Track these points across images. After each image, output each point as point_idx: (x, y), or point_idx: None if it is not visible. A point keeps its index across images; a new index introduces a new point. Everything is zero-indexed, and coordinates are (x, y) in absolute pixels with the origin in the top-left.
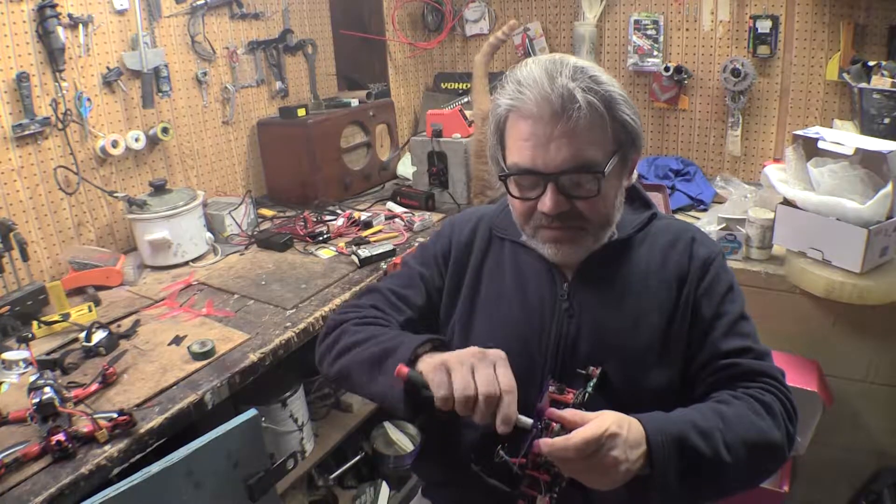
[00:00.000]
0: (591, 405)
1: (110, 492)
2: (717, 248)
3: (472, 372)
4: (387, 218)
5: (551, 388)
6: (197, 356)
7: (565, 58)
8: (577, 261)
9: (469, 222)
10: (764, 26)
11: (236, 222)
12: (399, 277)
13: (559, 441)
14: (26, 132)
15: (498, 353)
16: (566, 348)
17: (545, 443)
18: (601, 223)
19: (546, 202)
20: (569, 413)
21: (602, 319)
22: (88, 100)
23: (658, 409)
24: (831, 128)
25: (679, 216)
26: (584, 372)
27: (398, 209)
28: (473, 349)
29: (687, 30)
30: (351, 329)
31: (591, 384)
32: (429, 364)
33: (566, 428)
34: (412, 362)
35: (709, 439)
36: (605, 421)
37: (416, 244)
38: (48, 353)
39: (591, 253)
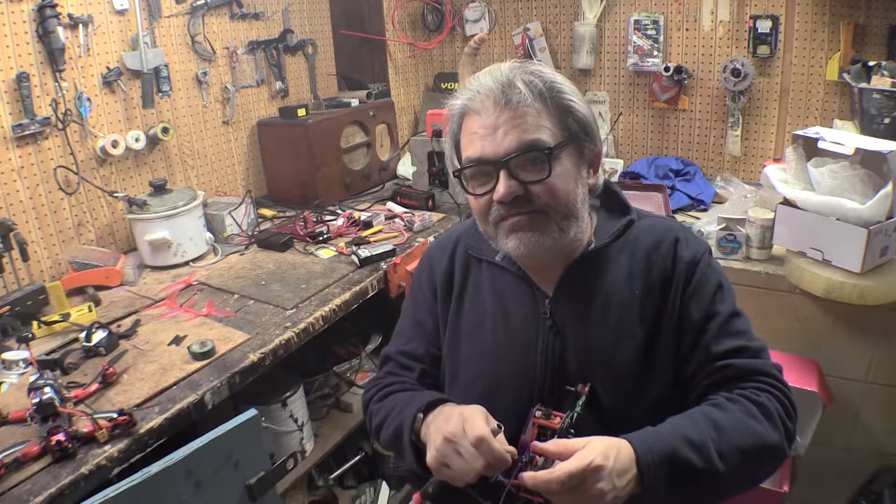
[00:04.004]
0: (581, 424)
1: (110, 492)
2: (702, 246)
3: (458, 458)
4: (387, 218)
5: (538, 414)
6: (197, 356)
7: (512, 61)
8: (543, 256)
9: (445, 250)
10: (764, 26)
11: (236, 222)
12: (401, 335)
13: (543, 475)
14: (26, 132)
15: (455, 430)
16: (554, 365)
17: (529, 476)
18: (561, 210)
19: (499, 188)
20: (552, 445)
21: (586, 334)
22: (88, 100)
23: (651, 420)
24: (831, 128)
25: (679, 216)
26: (573, 389)
27: (398, 209)
28: (439, 443)
29: (687, 30)
30: (374, 409)
31: (580, 403)
32: (430, 464)
33: (550, 460)
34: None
35: (701, 451)
36: (590, 453)
37: (416, 244)
38: (48, 353)
39: (569, 265)
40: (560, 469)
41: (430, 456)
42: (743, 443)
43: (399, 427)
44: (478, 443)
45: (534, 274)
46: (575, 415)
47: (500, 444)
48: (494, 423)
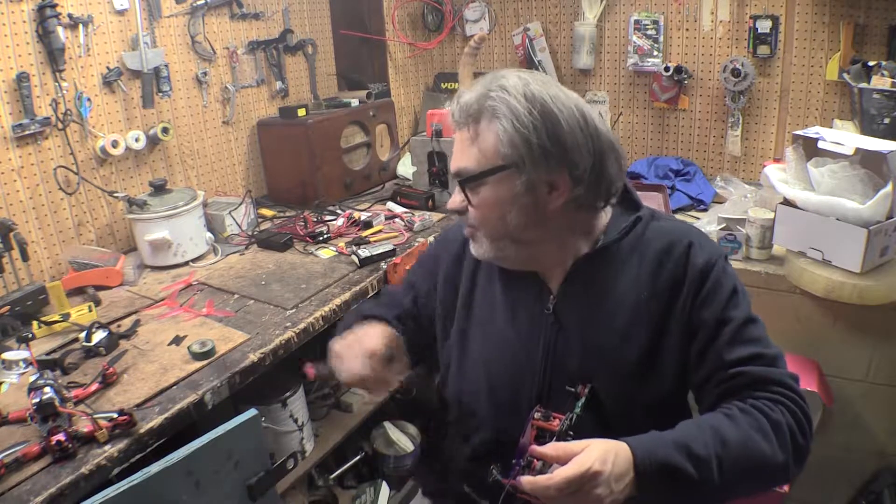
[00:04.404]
0: (581, 424)
1: (110, 492)
2: (717, 252)
3: (352, 358)
4: (387, 218)
5: (536, 416)
6: (197, 356)
7: (496, 72)
8: (500, 263)
9: (460, 235)
10: (764, 26)
11: (236, 222)
12: (400, 284)
13: (541, 480)
14: (26, 132)
15: (363, 335)
16: (555, 362)
17: (527, 481)
18: (489, 234)
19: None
20: (551, 449)
21: (589, 333)
22: (88, 100)
23: (651, 423)
24: (831, 128)
25: (679, 216)
26: (573, 390)
27: (398, 209)
28: (346, 336)
29: (687, 30)
30: (345, 317)
31: (580, 405)
32: (330, 345)
33: (548, 463)
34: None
35: (702, 464)
36: (588, 458)
37: (416, 244)
38: (48, 353)
39: (576, 262)
40: (558, 475)
41: (335, 341)
42: (747, 462)
43: (343, 330)
44: (369, 355)
45: (542, 269)
46: (574, 417)
47: (388, 370)
48: (396, 352)
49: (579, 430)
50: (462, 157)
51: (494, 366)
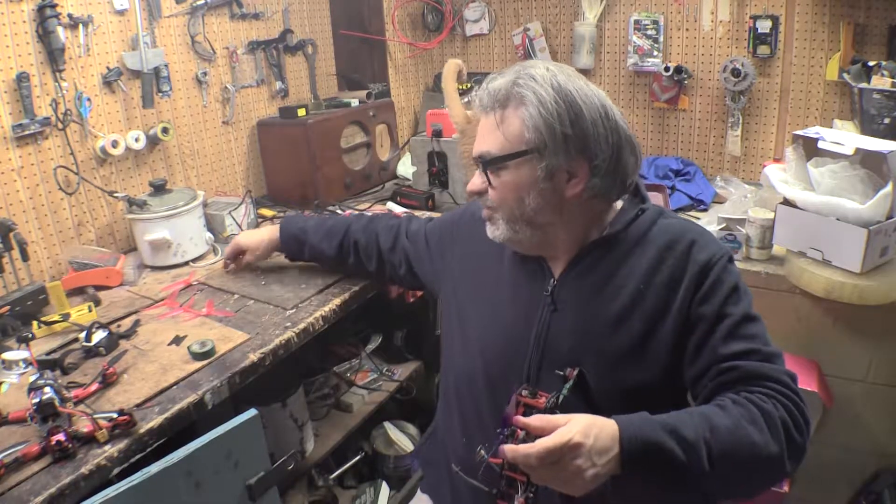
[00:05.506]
0: (567, 405)
1: (110, 492)
2: (720, 250)
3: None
4: None
5: (523, 392)
6: (197, 356)
7: (524, 63)
8: (513, 246)
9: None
10: (764, 26)
11: (236, 222)
12: (399, 222)
13: (522, 449)
14: (26, 132)
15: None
16: (547, 344)
17: (508, 449)
18: (507, 216)
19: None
20: (534, 420)
21: (584, 318)
22: (88, 100)
23: (637, 408)
24: (831, 128)
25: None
26: (561, 373)
27: (398, 209)
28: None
29: (687, 30)
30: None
31: (567, 387)
32: None
33: (531, 435)
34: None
35: (690, 448)
36: (569, 430)
37: None
38: (48, 353)
39: (580, 249)
40: (538, 444)
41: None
42: (737, 450)
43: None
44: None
45: (551, 254)
46: (561, 396)
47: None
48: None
49: (565, 410)
50: (485, 141)
51: (490, 344)
